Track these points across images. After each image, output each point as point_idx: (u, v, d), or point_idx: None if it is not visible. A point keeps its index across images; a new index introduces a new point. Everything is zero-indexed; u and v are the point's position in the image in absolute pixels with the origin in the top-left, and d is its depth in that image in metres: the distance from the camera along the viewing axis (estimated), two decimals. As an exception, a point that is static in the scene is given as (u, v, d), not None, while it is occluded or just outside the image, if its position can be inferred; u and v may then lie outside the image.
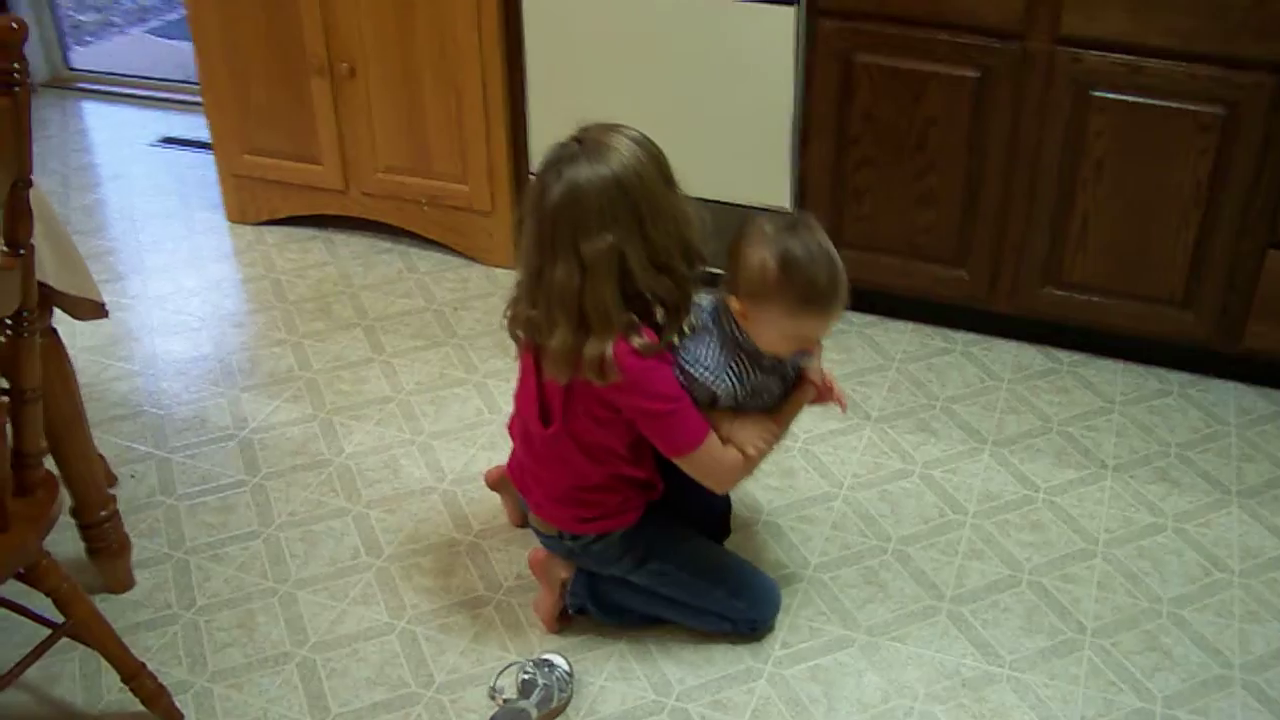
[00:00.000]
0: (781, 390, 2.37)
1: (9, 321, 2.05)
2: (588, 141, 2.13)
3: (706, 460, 2.26)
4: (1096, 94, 2.91)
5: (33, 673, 2.43)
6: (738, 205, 3.32)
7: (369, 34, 3.47)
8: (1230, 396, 3.17)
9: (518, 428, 2.46)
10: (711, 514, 2.64)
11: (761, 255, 2.15)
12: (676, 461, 2.28)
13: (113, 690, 2.37)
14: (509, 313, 2.31)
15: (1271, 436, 3.03)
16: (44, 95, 4.98)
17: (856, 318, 3.48)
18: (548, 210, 2.11)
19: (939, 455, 2.97)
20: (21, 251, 1.98)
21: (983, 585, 2.61)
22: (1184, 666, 2.42)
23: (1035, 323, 3.27)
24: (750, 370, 2.27)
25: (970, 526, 2.76)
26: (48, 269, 2.34)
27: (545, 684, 2.33)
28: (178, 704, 2.38)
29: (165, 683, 2.39)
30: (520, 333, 2.29)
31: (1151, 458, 2.96)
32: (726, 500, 2.67)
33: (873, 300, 3.42)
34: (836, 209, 3.25)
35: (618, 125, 2.17)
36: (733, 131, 3.25)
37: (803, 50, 3.10)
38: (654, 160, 2.16)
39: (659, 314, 2.21)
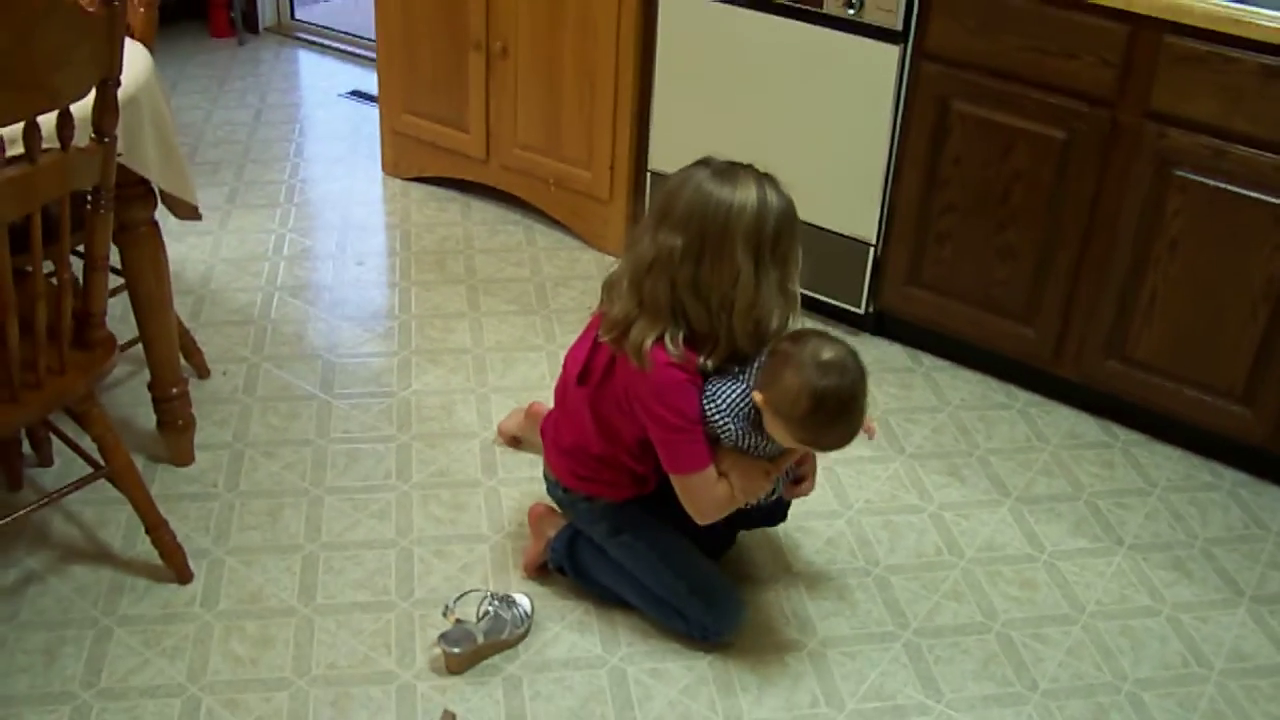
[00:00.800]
0: (778, 452, 2.44)
1: (88, 196, 2.33)
2: (735, 167, 2.31)
3: (697, 488, 2.39)
4: (1178, 173, 2.92)
5: (88, 514, 2.78)
6: (827, 230, 3.44)
7: (524, 17, 3.72)
8: (1285, 503, 3.12)
9: (559, 383, 2.60)
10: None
11: (798, 385, 2.23)
12: (670, 477, 2.41)
13: (146, 543, 2.64)
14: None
15: (1313, 549, 2.97)
16: (265, 39, 5.43)
17: (927, 359, 3.54)
18: (666, 186, 2.30)
19: (957, 499, 3.02)
20: (106, 140, 2.26)
21: (951, 625, 2.66)
22: (1126, 741, 2.43)
23: (1099, 395, 3.28)
24: (755, 432, 2.37)
25: (961, 570, 2.81)
26: (152, 167, 2.63)
27: (501, 616, 2.50)
28: (191, 566, 2.65)
29: (189, 548, 2.67)
30: (602, 292, 2.45)
31: (1173, 545, 2.94)
32: None
33: (944, 345, 3.48)
34: (919, 249, 3.33)
35: (772, 178, 2.32)
36: (830, 159, 3.36)
37: (904, 89, 3.20)
38: (757, 227, 2.24)
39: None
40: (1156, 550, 2.92)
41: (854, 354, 2.30)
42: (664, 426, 2.33)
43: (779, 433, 2.30)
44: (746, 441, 2.37)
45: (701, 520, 2.44)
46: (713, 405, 2.33)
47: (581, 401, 2.47)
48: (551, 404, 2.67)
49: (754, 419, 2.33)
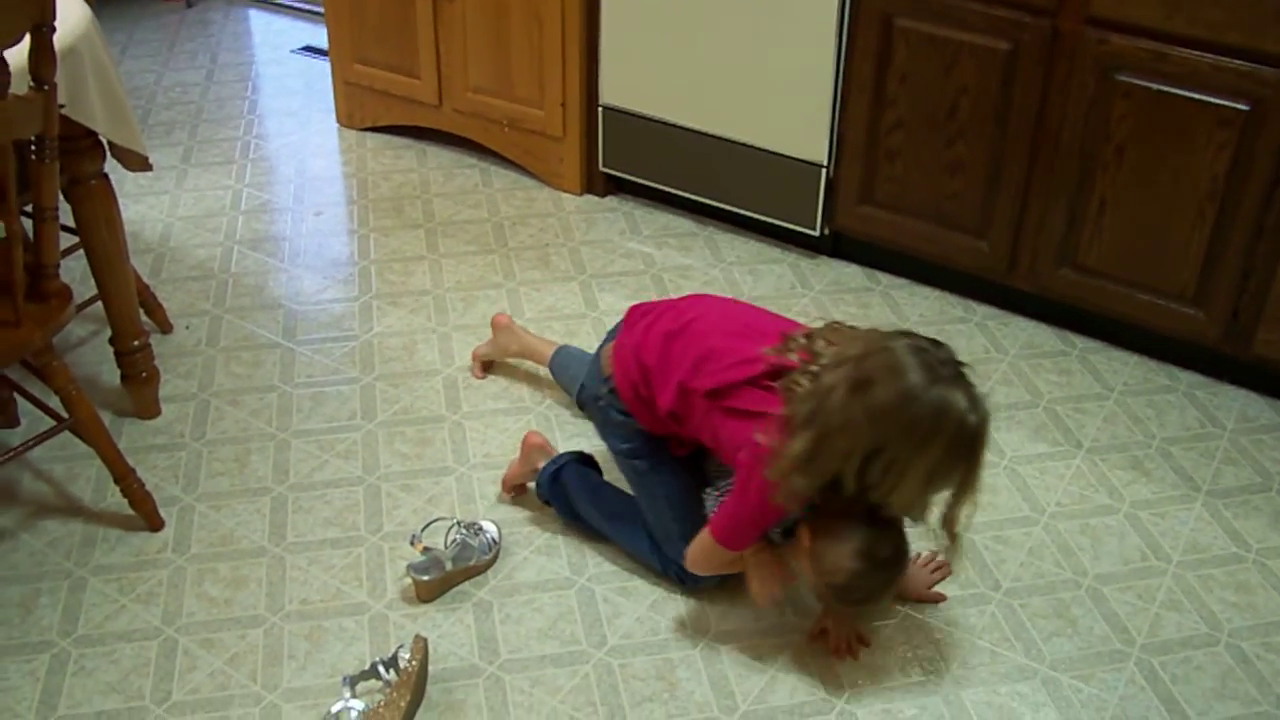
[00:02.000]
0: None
1: (32, 145, 2.34)
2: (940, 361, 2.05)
3: (717, 555, 2.33)
4: (1121, 78, 2.95)
5: (57, 471, 2.81)
6: (778, 154, 3.46)
7: (468, -43, 3.72)
8: (1236, 402, 3.16)
9: (677, 318, 2.43)
10: None
11: (841, 566, 2.17)
12: (705, 527, 2.33)
13: (116, 495, 2.66)
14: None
15: (1266, 446, 3.02)
16: (213, 0, 5.41)
17: (884, 278, 3.57)
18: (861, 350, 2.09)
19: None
20: (45, 87, 2.26)
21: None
22: (1086, 637, 2.48)
23: (1054, 304, 3.32)
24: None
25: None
26: (98, 119, 2.63)
27: (468, 543, 2.53)
28: (162, 514, 2.67)
29: (159, 497, 2.69)
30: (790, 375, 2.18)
31: (1131, 446, 2.99)
32: None
33: (901, 263, 3.52)
34: (870, 168, 3.36)
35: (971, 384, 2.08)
36: (778, 82, 3.38)
37: (847, 9, 3.22)
38: (951, 434, 2.03)
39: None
40: (1114, 451, 2.97)
41: (904, 544, 2.24)
42: (744, 505, 2.24)
43: (804, 567, 2.26)
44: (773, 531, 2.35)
45: (689, 566, 2.41)
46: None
47: (669, 346, 2.38)
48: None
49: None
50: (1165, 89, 2.91)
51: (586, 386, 2.60)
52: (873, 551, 2.17)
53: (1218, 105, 2.87)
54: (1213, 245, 3.01)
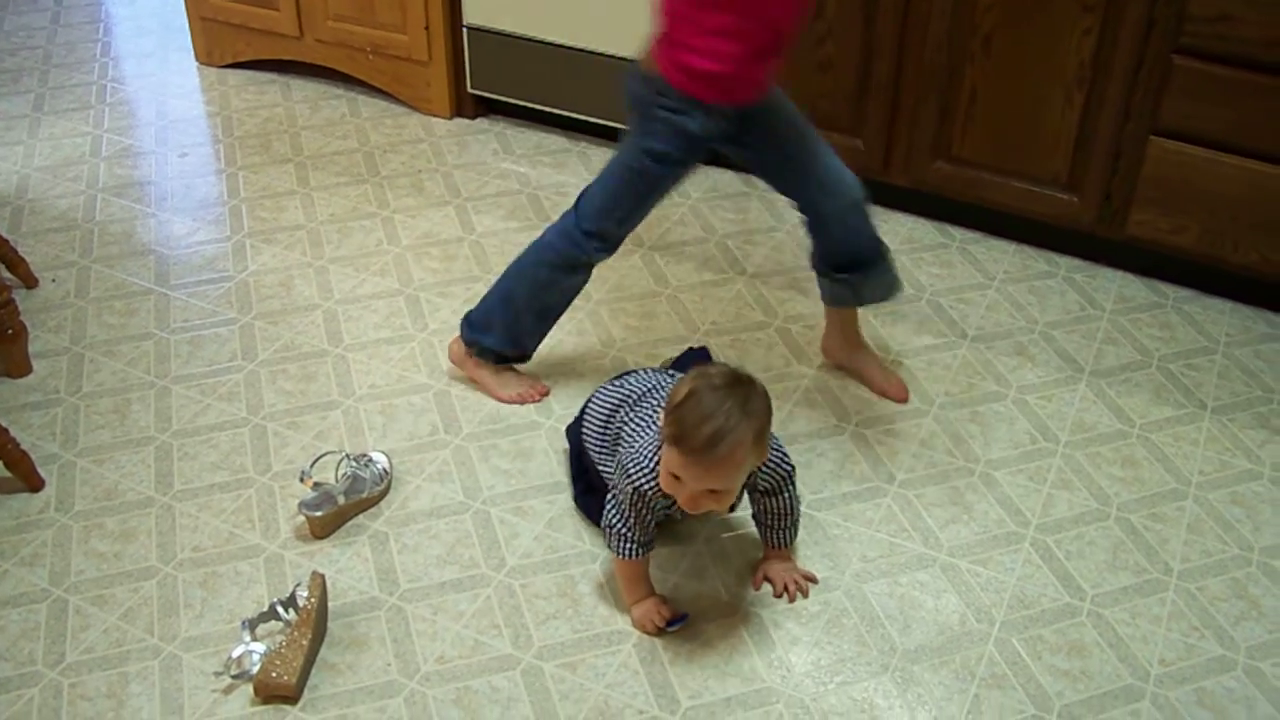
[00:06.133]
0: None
1: None
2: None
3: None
4: (985, -32, 2.95)
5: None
6: (649, 64, 3.41)
7: (317, -121, 3.61)
8: (1114, 284, 3.21)
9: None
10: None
11: (680, 387, 2.05)
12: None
13: (-10, 460, 2.58)
14: None
15: (1144, 324, 3.08)
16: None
17: (759, 181, 3.54)
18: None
19: (801, 312, 3.06)
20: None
21: (806, 431, 2.71)
22: (982, 521, 2.51)
23: (931, 198, 3.34)
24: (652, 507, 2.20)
25: (811, 379, 2.87)
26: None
27: (359, 475, 2.50)
28: (42, 473, 2.59)
29: (37, 456, 2.61)
30: None
31: (1015, 332, 3.03)
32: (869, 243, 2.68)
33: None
34: (741, 73, 3.33)
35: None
36: (644, -10, 3.33)
37: (708, -89, 3.17)
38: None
39: None
40: (998, 339, 3.00)
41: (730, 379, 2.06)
42: None
43: (664, 473, 2.08)
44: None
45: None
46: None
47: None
48: None
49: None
50: (1028, -25, 2.92)
51: (633, 92, 2.46)
52: (697, 384, 2.02)
53: (1080, -12, 2.89)
54: (1083, 130, 3.04)
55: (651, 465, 2.13)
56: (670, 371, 2.48)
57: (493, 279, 3.07)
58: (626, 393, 2.37)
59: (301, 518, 2.46)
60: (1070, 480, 2.61)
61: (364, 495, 2.50)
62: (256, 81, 4.10)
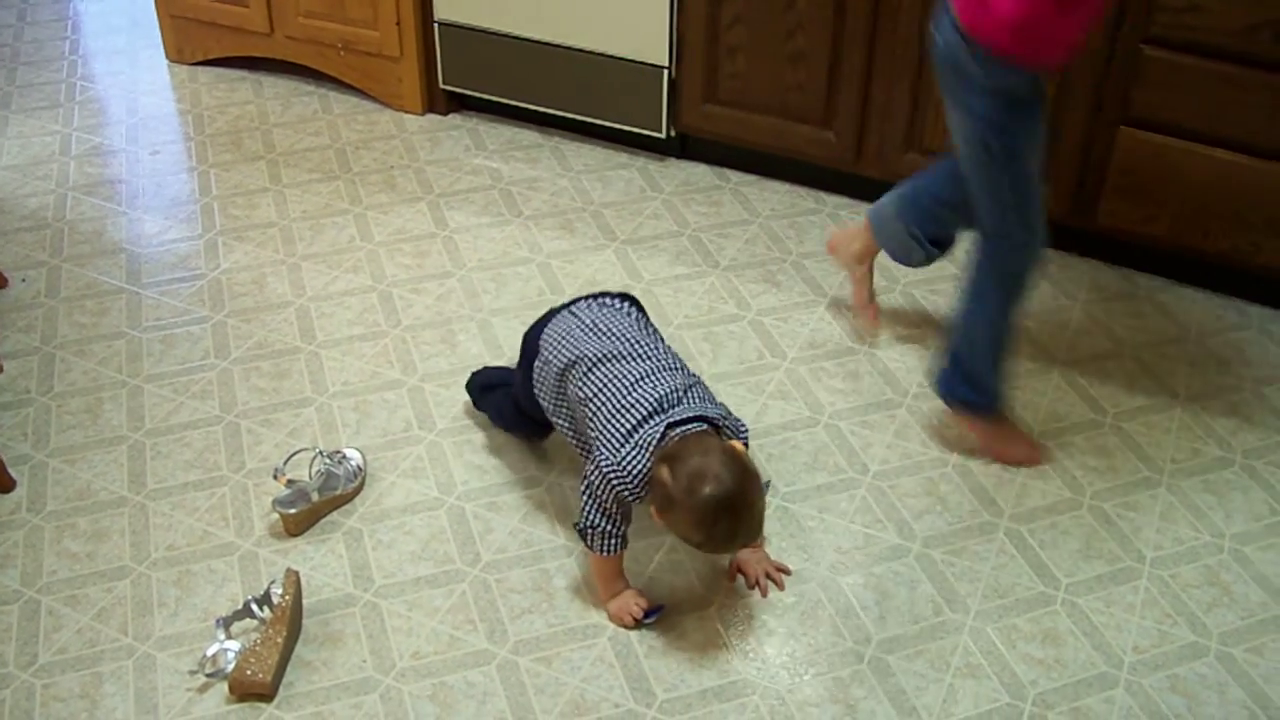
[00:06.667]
0: None
1: None
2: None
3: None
4: (953, -41, 2.95)
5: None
6: (620, 58, 3.42)
7: (287, -125, 3.59)
8: (1086, 274, 3.23)
9: None
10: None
11: (686, 522, 2.06)
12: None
13: (-39, 461, 2.56)
14: None
15: (1116, 314, 3.09)
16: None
17: (734, 175, 3.57)
18: None
19: (774, 304, 3.07)
20: None
21: (779, 423, 2.72)
22: (956, 512, 2.52)
23: (903, 190, 3.34)
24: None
25: (785, 371, 2.87)
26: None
27: (333, 472, 2.49)
28: (13, 474, 2.58)
29: (8, 456, 2.60)
30: None
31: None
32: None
33: (750, 160, 3.51)
34: (712, 66, 3.34)
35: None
36: (614, -16, 3.34)
37: (678, -97, 3.18)
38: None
39: None
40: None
41: (728, 458, 2.06)
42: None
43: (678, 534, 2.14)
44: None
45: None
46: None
47: None
48: None
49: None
50: (997, -34, 2.92)
51: (943, 46, 2.32)
52: (692, 491, 2.03)
53: (1049, -21, 2.89)
54: (1054, 120, 3.04)
55: (636, 480, 2.10)
56: (625, 310, 2.37)
57: (466, 274, 3.09)
58: (578, 352, 2.26)
59: (275, 515, 2.45)
60: (1044, 470, 2.63)
61: (338, 492, 2.49)
62: (227, 79, 4.08)
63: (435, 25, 3.65)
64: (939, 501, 2.54)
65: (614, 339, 2.27)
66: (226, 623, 2.22)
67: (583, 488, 2.19)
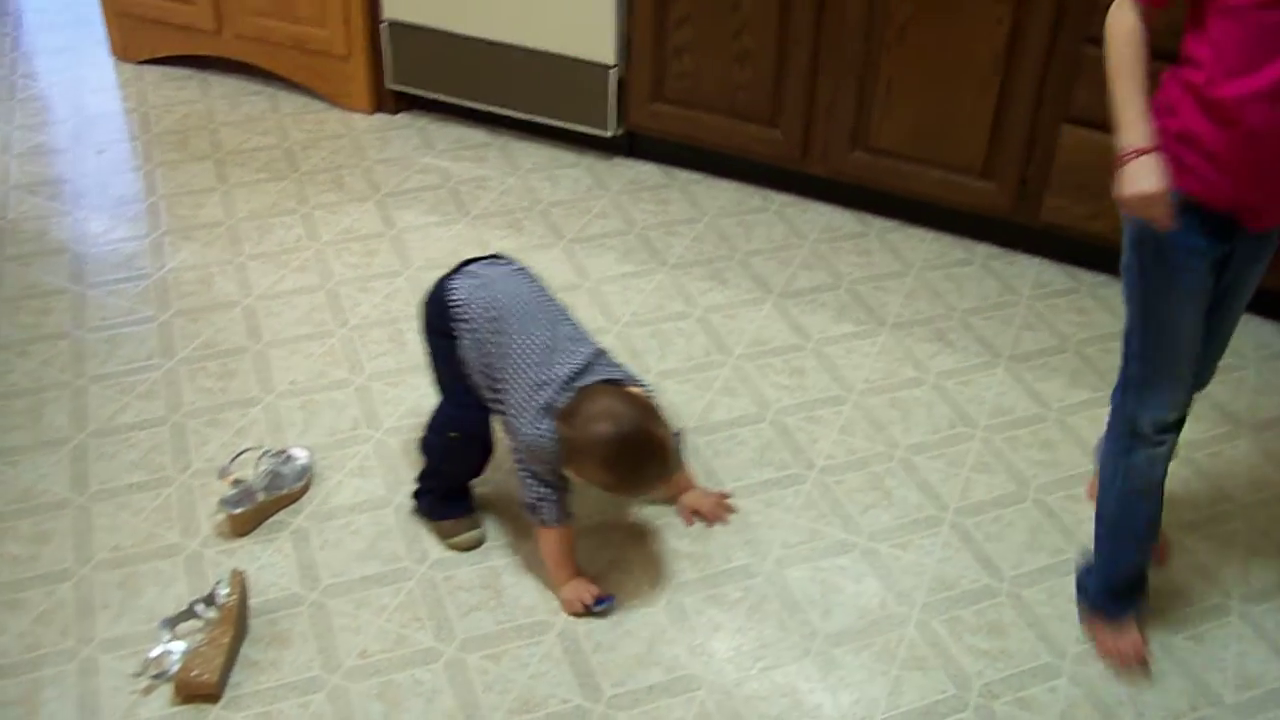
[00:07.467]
0: None
1: None
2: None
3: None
4: (897, -42, 2.98)
5: None
6: (568, 56, 3.42)
7: None
8: (1031, 270, 3.26)
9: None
10: None
11: (594, 446, 2.09)
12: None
13: (-101, 463, 2.53)
14: None
15: (1060, 309, 3.12)
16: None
17: (682, 173, 3.58)
18: None
19: (722, 301, 3.08)
20: None
21: (726, 419, 2.73)
22: (901, 506, 2.54)
23: (850, 187, 3.37)
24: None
25: (731, 366, 2.88)
26: None
27: (279, 471, 2.48)
28: (-48, 478, 2.55)
29: (-54, 460, 2.56)
30: None
31: (934, 319, 3.06)
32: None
33: (697, 158, 3.52)
34: (660, 65, 3.35)
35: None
36: (562, -17, 3.34)
37: (624, -97, 3.19)
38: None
39: None
40: (918, 325, 3.04)
41: (623, 397, 2.13)
42: None
43: (594, 483, 2.17)
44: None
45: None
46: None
47: None
48: None
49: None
50: (941, -35, 2.95)
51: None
52: (590, 429, 2.09)
53: (991, -21, 2.92)
54: (997, 118, 3.08)
55: (557, 452, 2.14)
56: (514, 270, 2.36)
57: (413, 273, 3.08)
58: (496, 311, 2.23)
59: (222, 515, 2.44)
60: (989, 463, 2.65)
61: (284, 491, 2.48)
62: (174, 77, 4.05)
63: (384, 24, 3.63)
64: (885, 496, 2.56)
65: (522, 302, 2.26)
66: (171, 623, 2.21)
67: (519, 468, 2.21)
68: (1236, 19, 1.79)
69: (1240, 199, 1.90)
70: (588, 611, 2.28)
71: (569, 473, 2.17)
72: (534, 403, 2.15)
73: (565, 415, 2.12)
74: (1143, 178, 1.85)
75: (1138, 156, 1.86)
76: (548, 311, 2.27)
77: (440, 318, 2.29)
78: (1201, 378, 2.16)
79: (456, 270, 2.34)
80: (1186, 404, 2.09)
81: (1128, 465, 2.14)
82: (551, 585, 2.33)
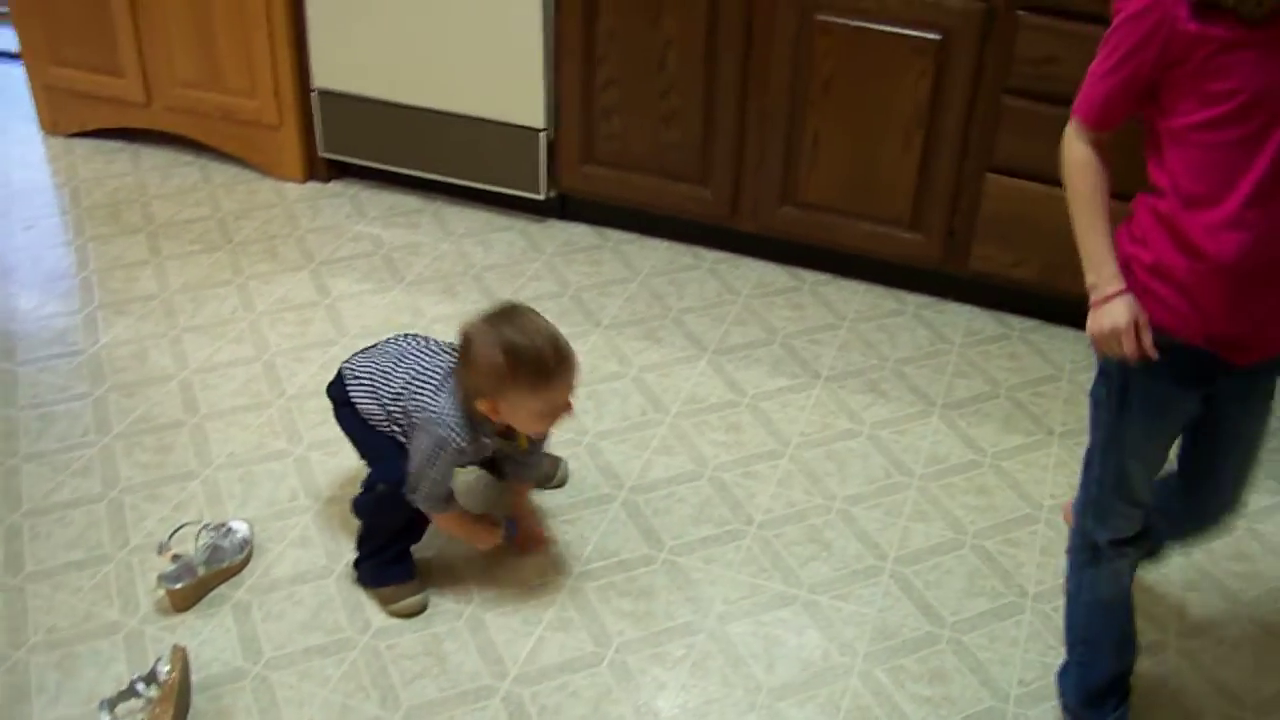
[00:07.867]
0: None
1: None
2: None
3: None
4: (820, 17, 3.04)
5: None
6: (498, 122, 3.46)
7: (159, -54, 3.59)
8: (962, 318, 3.31)
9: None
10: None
11: (487, 353, 2.18)
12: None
13: None
14: None
15: (992, 356, 3.17)
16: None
17: (614, 234, 3.61)
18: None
19: (657, 360, 3.10)
20: None
21: (664, 477, 2.75)
22: (841, 557, 2.56)
23: (781, 242, 3.41)
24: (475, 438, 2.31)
25: (668, 425, 2.90)
26: None
27: (219, 545, 2.47)
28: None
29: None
30: None
31: (867, 370, 3.10)
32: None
33: (629, 218, 3.56)
34: (589, 127, 3.38)
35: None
36: (489, 50, 3.37)
37: (549, -30, 3.23)
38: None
39: None
40: (851, 377, 3.08)
41: (511, 303, 2.31)
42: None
43: (519, 416, 2.25)
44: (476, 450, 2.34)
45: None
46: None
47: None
48: None
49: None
50: (862, 24, 3.03)
51: None
52: (498, 334, 2.21)
53: (912, 36, 3.00)
54: (923, 169, 3.14)
55: (458, 421, 2.23)
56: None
57: (349, 341, 3.09)
58: (384, 379, 2.38)
59: (162, 591, 2.42)
60: (926, 511, 2.68)
61: (225, 565, 2.47)
62: (104, 150, 4.04)
63: (314, 93, 3.65)
64: (824, 548, 2.58)
65: (401, 345, 2.43)
66: (111, 704, 2.18)
67: (411, 468, 2.28)
68: (1180, 143, 1.73)
69: (1216, 333, 1.81)
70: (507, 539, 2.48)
71: (486, 409, 2.22)
72: (429, 384, 2.30)
73: (460, 366, 2.24)
74: (1110, 314, 1.83)
75: (1105, 303, 1.84)
76: (431, 347, 2.41)
77: (338, 389, 2.44)
78: (1226, 507, 2.09)
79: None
80: (1146, 519, 2.06)
81: (1092, 577, 2.12)
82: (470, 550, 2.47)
